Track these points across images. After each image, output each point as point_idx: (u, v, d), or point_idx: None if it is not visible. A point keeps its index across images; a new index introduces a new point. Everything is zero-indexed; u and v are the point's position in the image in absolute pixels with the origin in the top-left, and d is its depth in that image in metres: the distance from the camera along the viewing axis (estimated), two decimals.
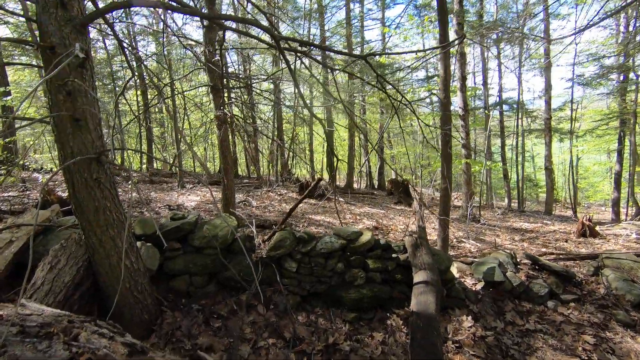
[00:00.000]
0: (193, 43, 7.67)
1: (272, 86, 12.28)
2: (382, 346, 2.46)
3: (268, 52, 10.78)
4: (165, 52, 9.60)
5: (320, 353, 2.38)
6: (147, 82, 11.32)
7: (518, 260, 3.63)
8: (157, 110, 14.91)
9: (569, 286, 3.27)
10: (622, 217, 12.79)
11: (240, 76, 9.27)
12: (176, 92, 7.70)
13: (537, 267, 3.47)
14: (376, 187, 16.54)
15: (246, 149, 12.49)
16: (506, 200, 16.65)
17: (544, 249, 6.76)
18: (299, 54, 3.45)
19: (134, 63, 10.39)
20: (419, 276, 2.56)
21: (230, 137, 11.94)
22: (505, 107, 16.70)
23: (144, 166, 13.92)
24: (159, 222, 3.04)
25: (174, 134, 10.59)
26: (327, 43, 12.73)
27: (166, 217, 3.17)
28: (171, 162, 14.01)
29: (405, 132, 17.69)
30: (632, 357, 2.46)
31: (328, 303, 2.88)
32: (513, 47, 14.92)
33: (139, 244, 2.74)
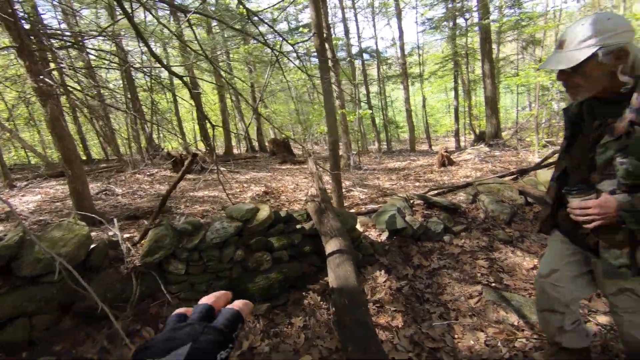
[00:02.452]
0: None
1: (115, 47, 10.05)
2: (304, 332, 2.18)
3: (99, 4, 8.57)
4: None
5: None
6: None
7: (412, 202, 3.76)
8: None
9: (457, 217, 3.55)
10: (462, 144, 15.35)
11: (66, 33, 7.22)
12: None
13: (428, 206, 3.65)
14: (257, 149, 16.00)
15: (94, 126, 10.25)
16: (376, 143, 18.24)
17: (417, 183, 7.50)
18: None
19: None
20: (331, 245, 2.30)
21: (71, 113, 9.54)
22: (365, 56, 17.68)
23: None
24: None
25: None
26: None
27: None
28: None
29: (278, 89, 17.25)
30: (517, 269, 2.76)
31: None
32: None
33: None
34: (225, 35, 12.59)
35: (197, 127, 18.23)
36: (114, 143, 10.57)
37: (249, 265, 2.48)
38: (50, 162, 9.76)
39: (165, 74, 11.72)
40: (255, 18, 2.18)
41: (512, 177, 4.55)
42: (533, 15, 11.29)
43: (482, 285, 2.57)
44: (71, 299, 2.15)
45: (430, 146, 17.03)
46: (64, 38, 6.04)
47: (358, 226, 3.09)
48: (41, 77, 3.61)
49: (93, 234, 3.05)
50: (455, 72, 14.07)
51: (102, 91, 8.22)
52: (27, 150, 13.02)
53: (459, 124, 15.23)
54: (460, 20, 12.51)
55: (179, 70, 12.60)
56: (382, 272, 2.72)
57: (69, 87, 5.81)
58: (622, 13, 15.03)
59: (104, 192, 6.25)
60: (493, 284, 2.56)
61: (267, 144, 14.78)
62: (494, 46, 16.13)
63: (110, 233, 3.17)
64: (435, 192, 4.55)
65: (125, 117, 9.53)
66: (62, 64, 5.44)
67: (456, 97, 14.68)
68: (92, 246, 2.33)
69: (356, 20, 16.70)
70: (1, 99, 10.02)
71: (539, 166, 4.58)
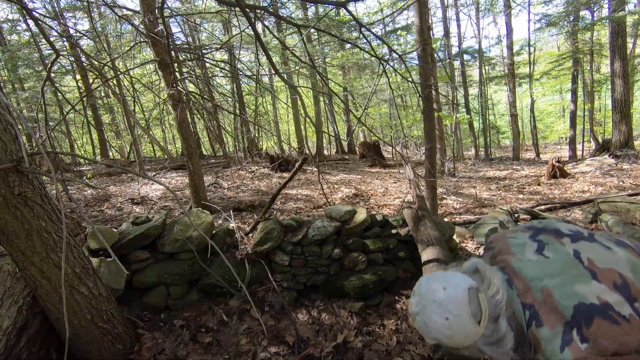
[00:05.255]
0: (129, 14, 6.70)
1: (226, 56, 11.30)
2: (396, 335, 2.23)
3: (216, 17, 9.78)
4: (99, 27, 8.46)
5: (330, 355, 2.11)
6: (85, 63, 10.06)
7: (517, 216, 3.48)
8: (103, 94, 13.55)
9: None
10: (578, 153, 13.38)
11: (190, 47, 8.38)
12: (119, 72, 6.82)
13: None
14: (347, 151, 16.30)
15: (208, 127, 11.67)
16: (473, 149, 16.98)
17: (520, 195, 6.85)
18: (258, 12, 2.92)
19: (66, 43, 9.12)
20: (427, 253, 2.29)
21: (189, 116, 11.04)
22: (466, 56, 16.62)
23: (99, 157, 12.76)
24: (119, 230, 2.56)
25: (126, 119, 9.62)
26: (278, 5, 11.74)
27: (127, 222, 2.68)
28: (127, 149, 12.95)
29: (370, 92, 17.25)
30: None
31: (329, 294, 2.59)
32: None
33: (96, 261, 2.28)
34: (323, 41, 13.09)
35: (291, 128, 19.36)
36: (223, 142, 11.89)
37: (345, 264, 2.62)
38: (173, 156, 11.41)
39: (265, 79, 12.71)
40: (367, 32, 2.29)
41: None
42: None
43: None
44: (197, 276, 2.55)
45: (537, 155, 15.22)
46: (190, 51, 7.02)
47: (454, 237, 3.00)
48: (174, 85, 4.30)
49: None
50: (574, 71, 12.35)
51: (215, 95, 9.35)
52: (154, 145, 15.41)
53: (576, 131, 13.31)
54: (584, 12, 10.94)
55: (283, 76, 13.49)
56: None
57: (190, 93, 6.75)
58: None
59: (213, 185, 7.10)
60: None
61: (357, 146, 14.96)
62: (630, 40, 13.69)
63: (219, 221, 3.64)
64: (544, 207, 4.11)
65: (234, 120, 10.66)
66: (185, 73, 6.34)
67: (574, 99, 12.85)
68: (213, 232, 2.72)
69: (457, 19, 15.84)
70: (138, 103, 12.01)
71: None
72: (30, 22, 9.18)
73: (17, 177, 1.63)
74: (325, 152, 17.81)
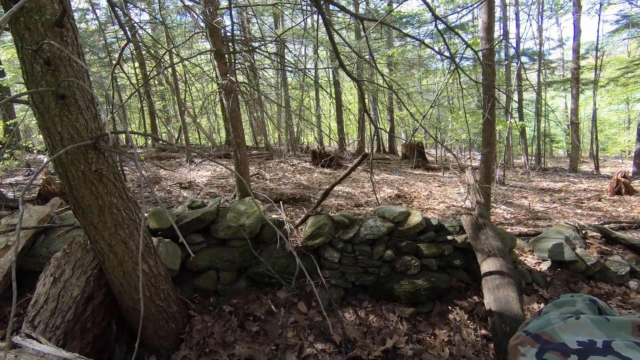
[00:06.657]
0: (190, 4, 6.92)
1: (274, 49, 11.43)
2: (449, 347, 2.11)
3: (268, 10, 9.90)
4: (160, 17, 8.85)
5: (378, 359, 2.03)
6: (144, 51, 10.61)
7: (584, 233, 3.20)
8: (156, 82, 14.22)
9: None
10: None
11: (243, 39, 8.54)
12: (176, 61, 7.10)
13: (607, 241, 3.05)
14: (387, 151, 16.01)
15: (253, 117, 11.90)
16: (523, 157, 15.99)
17: (578, 210, 6.37)
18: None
19: (129, 32, 9.64)
20: (488, 264, 2.15)
21: (242, 106, 11.33)
22: (523, 58, 15.68)
23: (150, 141, 13.43)
24: (176, 212, 2.63)
25: (177, 107, 10.03)
26: None
27: (183, 205, 2.76)
28: (176, 136, 13.52)
29: (416, 92, 16.80)
30: None
31: (377, 296, 2.50)
32: None
33: (155, 240, 2.35)
34: (372, 38, 12.88)
35: (333, 125, 19.30)
36: (267, 134, 12.10)
37: (397, 267, 2.53)
38: (217, 145, 11.76)
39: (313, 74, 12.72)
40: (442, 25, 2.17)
41: None
42: None
43: None
44: (247, 263, 2.57)
45: (596, 168, 14.08)
46: (245, 43, 7.15)
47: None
48: (227, 75, 4.36)
49: None
50: None
51: (261, 88, 9.50)
52: (199, 133, 15.97)
53: None
54: None
55: (324, 72, 13.49)
56: (542, 306, 2.40)
57: (241, 83, 6.89)
58: None
59: (256, 176, 7.21)
60: None
61: (399, 147, 14.63)
62: None
63: (264, 207, 3.66)
64: (612, 225, 3.76)
65: (277, 111, 10.80)
66: (237, 64, 6.45)
67: None
68: (264, 222, 2.73)
69: (517, 19, 14.94)
70: (189, 91, 12.47)
71: None
72: (97, 11, 9.77)
73: (95, 154, 1.70)
74: (366, 150, 17.57)
